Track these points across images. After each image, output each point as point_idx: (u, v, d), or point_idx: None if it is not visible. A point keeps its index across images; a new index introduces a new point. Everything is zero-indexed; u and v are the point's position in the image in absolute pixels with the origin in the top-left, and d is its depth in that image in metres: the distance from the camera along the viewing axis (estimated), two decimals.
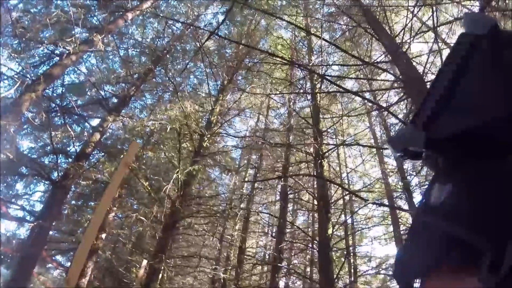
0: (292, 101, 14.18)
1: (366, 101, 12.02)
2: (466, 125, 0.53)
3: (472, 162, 0.52)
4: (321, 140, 12.19)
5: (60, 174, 12.98)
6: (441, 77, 0.58)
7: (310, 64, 12.22)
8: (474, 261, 0.43)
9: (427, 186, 0.58)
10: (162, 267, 11.56)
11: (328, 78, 10.51)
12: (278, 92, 13.05)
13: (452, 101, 0.56)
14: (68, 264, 16.62)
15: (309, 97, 13.21)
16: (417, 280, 0.51)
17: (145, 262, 8.93)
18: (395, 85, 9.70)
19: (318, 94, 12.84)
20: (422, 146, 0.55)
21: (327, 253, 10.86)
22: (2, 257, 15.16)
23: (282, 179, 13.44)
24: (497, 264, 0.41)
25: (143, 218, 12.25)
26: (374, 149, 14.47)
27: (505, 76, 0.53)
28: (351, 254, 13.76)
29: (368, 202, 10.66)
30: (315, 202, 13.24)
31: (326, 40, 11.03)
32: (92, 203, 14.88)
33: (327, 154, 12.58)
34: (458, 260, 0.46)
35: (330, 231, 11.30)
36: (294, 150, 13.96)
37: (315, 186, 13.76)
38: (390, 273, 15.18)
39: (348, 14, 10.15)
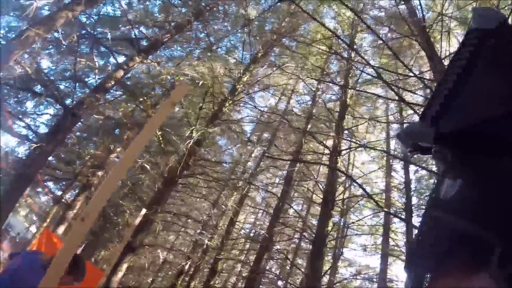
0: (321, 90, 13.47)
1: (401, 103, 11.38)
2: (474, 121, 0.51)
3: (482, 158, 0.49)
4: (341, 136, 11.57)
5: (74, 101, 12.25)
6: (450, 73, 0.56)
7: (351, 57, 11.54)
8: (483, 256, 0.41)
9: (436, 180, 0.55)
10: (156, 221, 11.02)
11: (369, 73, 9.83)
12: (312, 77, 12.27)
13: (461, 97, 0.54)
14: (59, 193, 16.02)
15: (339, 91, 12.54)
16: (428, 274, 0.49)
17: (143, 211, 8.32)
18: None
19: (350, 91, 12.16)
20: (431, 141, 0.53)
21: (321, 247, 10.37)
22: None
23: (290, 163, 12.81)
24: (506, 259, 0.40)
25: (147, 166, 11.61)
26: (385, 160, 13.90)
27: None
28: (340, 255, 13.27)
29: (381, 210, 10.08)
30: (319, 196, 12.70)
31: (378, 35, 10.30)
32: (97, 139, 14.24)
33: (344, 151, 11.96)
34: (468, 255, 0.44)
35: (328, 228, 10.81)
36: (308, 139, 13.34)
37: (320, 179, 13.20)
38: (367, 282, 14.86)
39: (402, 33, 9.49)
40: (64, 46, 12.16)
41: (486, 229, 0.43)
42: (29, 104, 14.03)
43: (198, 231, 14.53)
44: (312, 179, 13.18)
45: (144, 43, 13.85)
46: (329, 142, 12.36)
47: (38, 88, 12.96)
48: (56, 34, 11.77)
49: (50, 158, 13.67)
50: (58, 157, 14.50)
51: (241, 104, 14.13)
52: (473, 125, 0.51)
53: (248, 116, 14.25)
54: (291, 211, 14.71)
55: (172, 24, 13.88)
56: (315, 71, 13.29)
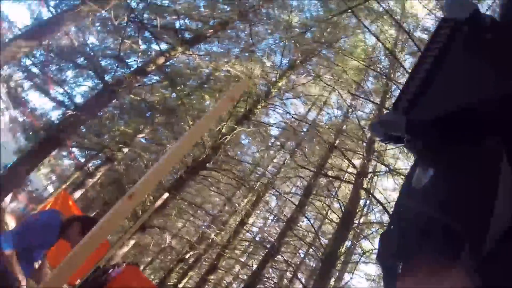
0: (354, 107, 13.24)
1: None
2: (446, 108, 0.49)
3: (452, 147, 0.48)
4: (371, 156, 11.31)
5: (114, 79, 12.39)
6: (423, 63, 0.56)
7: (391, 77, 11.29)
8: (454, 245, 0.42)
9: (409, 169, 0.53)
10: (171, 205, 11.06)
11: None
12: (349, 91, 12.04)
13: (433, 86, 0.53)
14: (82, 160, 16.26)
15: (374, 110, 12.27)
16: (400, 263, 0.48)
17: (166, 195, 8.30)
18: None
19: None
20: (403, 131, 0.53)
21: (331, 267, 10.12)
22: (27, 127, 14.83)
23: (313, 175, 12.61)
24: (477, 248, 0.40)
25: None
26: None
27: (485, 61, 0.50)
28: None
29: None
30: (335, 214, 12.48)
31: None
32: (128, 118, 14.37)
33: (370, 174, 11.69)
34: (439, 245, 0.44)
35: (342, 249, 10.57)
36: (335, 155, 13.13)
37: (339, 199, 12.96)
38: None
39: None
40: (112, 26, 12.31)
41: (456, 219, 0.42)
42: (70, 74, 14.24)
43: (207, 223, 14.52)
44: (332, 196, 12.95)
45: (187, 35, 13.95)
46: (355, 162, 12.12)
47: (81, 60, 13.18)
48: (106, 14, 11.91)
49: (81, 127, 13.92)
50: (88, 128, 14.69)
51: (272, 108, 14.03)
52: (444, 114, 0.49)
53: (279, 121, 14.10)
54: (303, 224, 14.52)
55: (216, 20, 13.90)
56: (351, 85, 13.07)
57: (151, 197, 10.57)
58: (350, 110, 13.35)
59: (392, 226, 0.60)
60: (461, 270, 0.42)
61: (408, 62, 13.83)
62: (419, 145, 0.55)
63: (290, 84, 14.04)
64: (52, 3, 10.56)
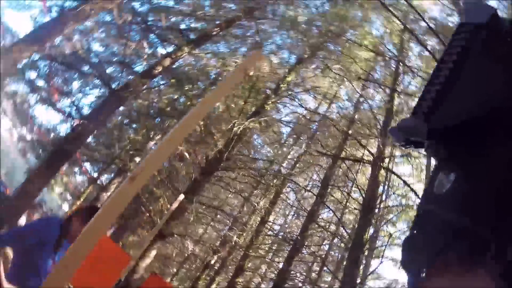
0: (365, 96, 12.54)
1: None
2: (467, 114, 0.49)
3: (474, 152, 0.48)
4: (386, 142, 10.58)
5: (120, 84, 11.76)
6: (442, 68, 0.54)
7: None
8: (479, 250, 0.40)
9: (431, 174, 0.53)
10: (189, 210, 10.30)
11: None
12: (359, 77, 11.38)
13: (452, 91, 0.52)
14: (94, 174, 15.59)
15: (384, 97, 11.60)
16: (425, 269, 0.46)
17: (181, 196, 7.57)
18: None
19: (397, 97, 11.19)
20: (424, 136, 0.52)
21: (358, 255, 9.40)
22: (36, 144, 14.20)
23: (330, 164, 11.86)
24: (502, 253, 0.38)
25: (187, 154, 10.91)
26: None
27: (505, 66, 0.49)
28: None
29: None
30: (357, 202, 11.71)
31: None
32: (137, 125, 13.72)
33: (388, 158, 10.97)
34: (463, 249, 0.42)
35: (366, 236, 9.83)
36: (350, 143, 12.41)
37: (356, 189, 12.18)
38: None
39: None
40: (116, 30, 11.72)
41: (480, 224, 0.40)
42: (76, 84, 13.59)
43: (227, 227, 13.76)
44: (352, 182, 12.20)
45: (193, 35, 13.36)
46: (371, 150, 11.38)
47: (85, 68, 12.56)
48: (108, 17, 11.35)
49: (89, 139, 13.29)
50: (97, 138, 14.03)
51: (283, 104, 13.35)
52: (466, 120, 0.47)
53: (290, 114, 13.40)
54: (324, 216, 13.77)
55: (222, 19, 13.33)
56: (361, 75, 12.44)
57: (167, 204, 9.83)
58: (361, 99, 12.64)
59: (415, 232, 0.51)
60: (486, 274, 0.38)
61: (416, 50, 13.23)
62: (440, 150, 0.51)
63: (299, 79, 13.34)
64: (54, 8, 9.91)
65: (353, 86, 12.10)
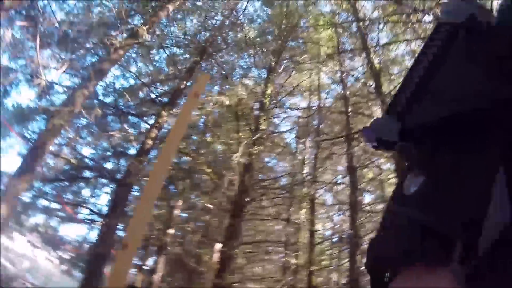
0: (346, 70, 12.19)
1: None
2: (440, 114, 0.48)
3: (445, 153, 0.47)
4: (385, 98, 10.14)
5: (122, 173, 11.75)
6: (417, 67, 0.53)
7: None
8: (445, 252, 0.40)
9: (400, 175, 0.53)
10: (235, 254, 9.90)
11: None
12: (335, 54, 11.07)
13: (427, 91, 0.51)
14: (139, 262, 15.42)
15: (363, 59, 11.26)
16: (389, 270, 0.46)
17: (218, 246, 7.29)
18: None
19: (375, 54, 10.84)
20: (396, 137, 0.50)
21: None
22: (75, 261, 14.18)
23: (347, 145, 11.37)
24: (468, 254, 0.38)
25: (210, 205, 10.63)
26: None
27: (482, 65, 0.49)
28: None
29: None
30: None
31: None
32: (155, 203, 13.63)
33: None
34: (429, 250, 0.42)
35: None
36: (355, 120, 11.97)
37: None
38: None
39: None
40: (96, 127, 11.80)
41: (446, 224, 0.40)
42: (85, 192, 13.65)
43: (282, 254, 13.25)
44: (378, 156, 11.68)
45: (166, 99, 13.40)
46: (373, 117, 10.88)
47: (86, 174, 12.62)
48: (81, 119, 11.43)
49: (119, 231, 13.21)
50: (126, 227, 13.94)
51: (275, 116, 13.11)
52: (438, 119, 0.47)
53: (287, 122, 13.11)
54: (365, 199, 13.19)
55: (184, 71, 13.37)
56: (332, 53, 12.19)
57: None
58: (343, 75, 12.31)
59: (381, 232, 0.50)
60: (451, 275, 0.39)
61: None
62: (411, 151, 0.49)
63: (278, 87, 13.15)
64: None
65: (330, 67, 11.81)
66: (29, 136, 11.40)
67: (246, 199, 10.78)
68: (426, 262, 0.41)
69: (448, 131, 0.47)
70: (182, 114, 2.94)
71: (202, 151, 12.12)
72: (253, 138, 10.69)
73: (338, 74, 13.12)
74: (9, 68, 11.03)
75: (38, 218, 13.02)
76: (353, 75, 11.78)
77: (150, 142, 11.44)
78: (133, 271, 15.26)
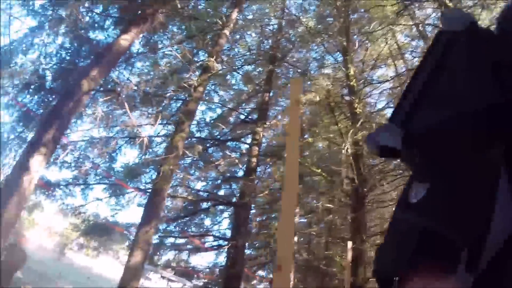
0: (421, 24, 10.97)
1: None
2: (442, 118, 0.48)
3: (449, 159, 0.47)
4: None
5: (237, 195, 11.98)
6: (419, 74, 0.54)
7: None
8: (450, 258, 0.40)
9: (406, 183, 0.53)
10: (366, 248, 9.32)
11: None
12: None
13: (430, 98, 0.51)
14: (270, 276, 15.55)
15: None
16: (396, 276, 0.46)
17: (350, 244, 6.87)
18: None
19: None
20: (400, 144, 0.49)
21: None
22: (210, 286, 14.73)
23: None
24: (474, 262, 0.38)
25: (329, 205, 10.20)
26: None
27: (482, 72, 0.49)
28: None
29: None
30: None
31: None
32: (274, 215, 13.64)
33: None
34: (434, 257, 0.42)
35: None
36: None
37: None
38: None
39: None
40: (199, 161, 12.21)
41: (452, 231, 0.39)
42: (207, 222, 14.22)
43: None
44: None
45: (255, 116, 13.45)
46: None
47: (204, 205, 13.12)
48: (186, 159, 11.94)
49: (246, 251, 13.41)
50: (252, 247, 14.16)
51: (369, 95, 12.29)
52: (440, 123, 0.47)
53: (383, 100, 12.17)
54: None
55: (262, 83, 13.31)
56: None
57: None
58: (420, 26, 11.08)
59: (388, 240, 0.50)
60: (457, 283, 0.39)
61: None
62: (415, 158, 0.49)
63: (362, 64, 12.34)
64: None
65: (402, 24, 10.71)
66: (143, 187, 12.15)
67: (364, 189, 10.13)
68: (433, 269, 0.40)
69: (452, 138, 0.46)
70: (291, 125, 2.78)
71: (307, 153, 11.80)
72: (356, 124, 10.03)
73: (414, 29, 11.94)
74: (108, 137, 12.09)
75: (169, 255, 13.85)
76: (429, 24, 10.50)
77: (254, 160, 11.49)
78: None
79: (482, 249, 0.39)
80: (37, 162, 8.48)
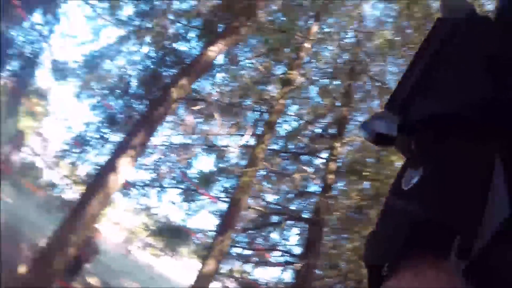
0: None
1: None
2: (440, 108, 0.46)
3: (446, 146, 0.45)
4: None
5: (308, 212, 11.65)
6: (417, 61, 0.51)
7: None
8: (444, 245, 0.39)
9: (399, 170, 0.51)
10: None
11: None
12: None
13: (427, 86, 0.49)
14: None
15: None
16: (386, 264, 0.44)
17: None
18: None
19: None
20: (396, 131, 0.47)
21: None
22: None
23: None
24: (466, 248, 0.38)
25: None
26: None
27: (482, 61, 0.47)
28: None
29: None
30: None
31: None
32: (346, 236, 13.07)
33: None
34: (428, 244, 0.40)
35: None
36: None
37: None
38: None
39: None
40: (273, 173, 12.07)
41: (445, 217, 0.39)
42: (275, 235, 13.95)
43: None
44: None
45: (334, 131, 13.07)
46: None
47: (274, 218, 12.89)
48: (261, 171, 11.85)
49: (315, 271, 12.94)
50: (321, 267, 13.66)
51: None
52: (439, 115, 0.45)
53: None
54: None
55: (341, 97, 12.96)
56: None
57: None
58: None
59: (379, 227, 0.47)
60: (449, 269, 0.38)
61: None
62: (410, 146, 0.46)
63: None
64: None
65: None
66: (216, 195, 12.24)
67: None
68: (424, 256, 0.40)
69: (447, 125, 0.44)
70: None
71: (384, 171, 11.16)
72: None
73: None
74: (186, 143, 12.35)
75: (233, 265, 13.79)
76: None
77: (331, 176, 11.07)
78: None
79: (475, 236, 0.37)
80: (125, 163, 8.76)
